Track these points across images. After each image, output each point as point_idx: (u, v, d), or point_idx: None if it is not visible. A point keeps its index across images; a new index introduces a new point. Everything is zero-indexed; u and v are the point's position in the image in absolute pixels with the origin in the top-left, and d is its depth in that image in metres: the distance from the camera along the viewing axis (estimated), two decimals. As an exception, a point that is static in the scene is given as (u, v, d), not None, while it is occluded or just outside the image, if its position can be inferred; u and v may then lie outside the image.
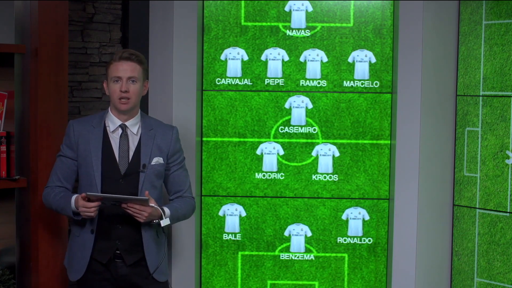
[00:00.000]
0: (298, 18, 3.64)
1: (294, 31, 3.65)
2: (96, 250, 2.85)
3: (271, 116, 3.66)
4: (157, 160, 2.90)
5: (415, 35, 3.50)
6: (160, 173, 2.94)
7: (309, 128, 3.66)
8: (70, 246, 2.96)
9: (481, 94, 3.56)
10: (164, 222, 2.81)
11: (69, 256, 2.96)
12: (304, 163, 3.67)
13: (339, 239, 3.68)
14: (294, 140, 3.66)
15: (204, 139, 3.67)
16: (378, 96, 3.63)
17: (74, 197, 2.80)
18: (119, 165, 2.84)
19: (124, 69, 2.82)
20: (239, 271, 3.70)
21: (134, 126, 2.89)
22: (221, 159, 3.67)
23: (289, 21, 3.65)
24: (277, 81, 3.65)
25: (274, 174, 3.68)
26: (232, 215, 3.69)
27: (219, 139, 3.66)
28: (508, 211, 3.48)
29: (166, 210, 2.85)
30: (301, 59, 3.65)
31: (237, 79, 3.66)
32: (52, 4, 3.11)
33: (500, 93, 3.49)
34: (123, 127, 2.88)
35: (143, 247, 2.89)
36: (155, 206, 2.79)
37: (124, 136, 2.87)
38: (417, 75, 3.50)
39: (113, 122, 2.88)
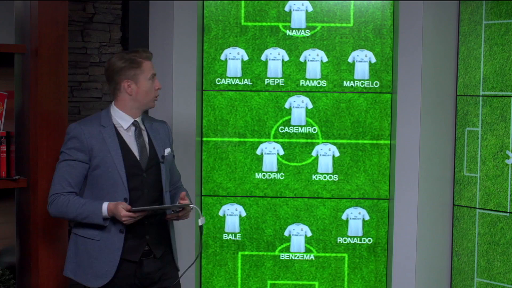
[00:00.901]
0: (298, 18, 3.64)
1: (294, 31, 3.65)
2: (126, 250, 2.82)
3: (271, 116, 3.66)
4: (168, 150, 2.97)
5: (415, 35, 3.50)
6: (170, 164, 3.00)
7: (309, 128, 3.66)
8: (82, 252, 2.86)
9: (481, 94, 3.56)
10: (202, 220, 2.86)
11: (80, 263, 2.87)
12: (304, 163, 3.67)
13: (339, 239, 3.68)
14: (294, 140, 3.67)
15: (204, 139, 3.67)
16: (378, 96, 3.63)
17: (105, 205, 2.76)
18: (140, 161, 2.85)
19: (153, 67, 2.90)
20: (239, 271, 3.70)
21: (141, 123, 2.94)
22: (221, 159, 3.67)
23: (289, 21, 3.65)
24: (277, 81, 3.65)
25: (274, 174, 3.68)
26: (232, 215, 3.69)
27: (219, 139, 3.66)
28: (508, 211, 3.48)
29: (198, 209, 2.96)
30: (301, 59, 3.65)
31: (237, 79, 3.66)
32: (52, 4, 3.11)
33: (500, 93, 3.49)
34: (136, 124, 2.89)
35: (169, 239, 2.94)
36: (195, 206, 2.88)
37: (139, 132, 2.89)
38: (417, 75, 3.50)
39: (124, 120, 2.87)
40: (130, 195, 2.80)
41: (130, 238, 2.82)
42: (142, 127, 2.92)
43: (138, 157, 2.85)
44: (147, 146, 2.90)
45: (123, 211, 2.71)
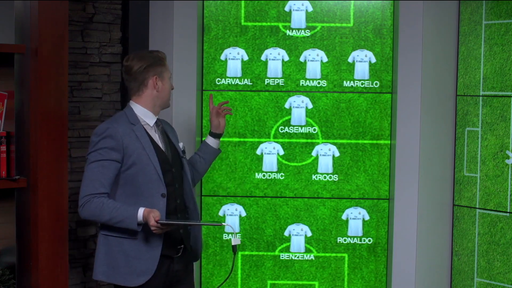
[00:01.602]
0: (298, 18, 3.64)
1: (294, 31, 3.65)
2: (165, 246, 2.83)
3: (271, 116, 3.66)
4: (182, 144, 3.03)
5: (415, 35, 3.50)
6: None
7: (309, 128, 3.66)
8: (116, 252, 2.84)
9: (481, 94, 3.57)
10: (236, 240, 2.80)
11: (115, 264, 2.84)
12: (304, 163, 3.67)
13: (339, 239, 3.68)
14: (294, 140, 3.67)
15: (204, 139, 3.66)
16: (378, 96, 3.63)
17: (142, 210, 2.75)
18: (167, 156, 2.89)
19: None
20: (239, 271, 3.70)
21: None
22: (221, 159, 3.67)
23: (289, 21, 3.65)
24: (277, 81, 3.65)
25: (274, 174, 3.68)
26: (232, 215, 3.69)
27: (219, 139, 3.66)
28: (508, 211, 3.48)
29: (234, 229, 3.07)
30: (301, 59, 3.65)
31: (237, 79, 3.66)
32: (52, 4, 3.10)
33: (500, 93, 3.49)
34: (158, 121, 2.95)
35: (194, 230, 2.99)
36: (229, 225, 2.96)
37: (162, 129, 2.95)
38: (417, 75, 3.51)
39: (149, 117, 2.91)
40: (167, 190, 2.83)
41: (167, 233, 2.82)
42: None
43: (165, 153, 2.89)
44: (169, 143, 2.96)
45: (152, 220, 2.70)
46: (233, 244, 2.75)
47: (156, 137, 2.91)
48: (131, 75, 2.88)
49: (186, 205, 2.95)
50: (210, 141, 3.19)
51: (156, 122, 2.92)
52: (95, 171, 2.80)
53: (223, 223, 2.77)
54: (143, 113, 2.89)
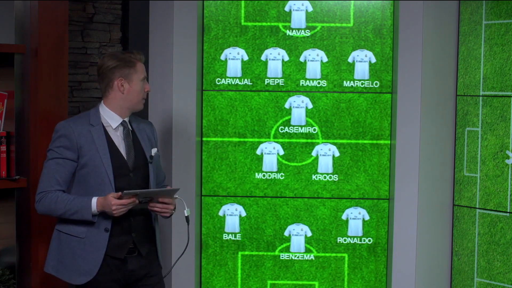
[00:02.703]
0: (298, 18, 3.64)
1: (294, 31, 3.65)
2: (110, 248, 2.83)
3: (271, 116, 3.66)
4: (155, 151, 2.99)
5: (415, 35, 3.50)
6: (157, 163, 3.01)
7: (309, 128, 3.66)
8: (65, 249, 2.87)
9: (481, 94, 3.56)
10: (188, 211, 2.91)
11: (63, 260, 2.88)
12: (304, 163, 3.67)
13: (339, 239, 3.68)
14: (294, 140, 3.66)
15: (204, 139, 3.67)
16: (378, 96, 3.63)
17: (94, 199, 2.78)
18: (127, 160, 2.87)
19: (145, 70, 2.92)
20: (239, 271, 3.70)
21: (128, 123, 2.95)
22: (221, 159, 3.67)
23: (289, 21, 3.65)
24: (277, 81, 3.65)
25: (274, 174, 3.68)
26: (232, 215, 3.69)
27: (219, 139, 3.66)
28: (508, 211, 3.48)
29: (182, 200, 2.97)
30: (301, 59, 3.65)
31: (237, 79, 3.66)
32: (52, 4, 3.11)
33: (500, 93, 3.49)
34: (124, 124, 2.90)
35: (154, 236, 2.95)
36: (178, 197, 2.90)
37: (127, 132, 2.90)
38: (417, 75, 3.50)
39: (113, 119, 2.88)
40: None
41: (115, 236, 2.83)
42: (130, 127, 2.93)
43: (125, 157, 2.87)
44: (134, 146, 2.91)
45: (113, 199, 2.72)
46: (186, 215, 2.89)
47: (118, 140, 2.88)
48: (99, 74, 2.89)
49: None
50: None
51: (123, 125, 2.89)
52: (51, 168, 2.83)
53: (176, 196, 2.84)
54: (109, 115, 2.88)
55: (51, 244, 2.91)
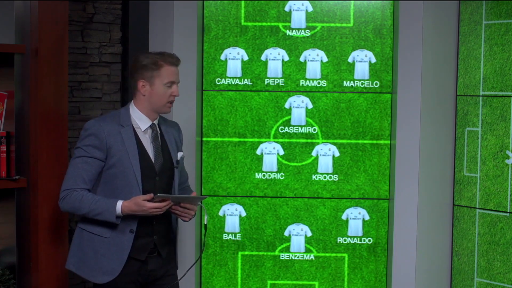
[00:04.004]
0: (298, 18, 3.64)
1: (294, 31, 3.65)
2: (134, 249, 2.83)
3: (271, 116, 3.66)
4: (181, 154, 2.98)
5: (415, 35, 3.50)
6: (182, 165, 3.01)
7: (309, 128, 3.66)
8: (88, 248, 2.86)
9: (481, 94, 3.57)
10: (207, 219, 2.92)
11: (85, 259, 2.87)
12: (304, 163, 3.67)
13: (339, 239, 3.68)
14: (294, 140, 3.67)
15: (204, 139, 3.67)
16: (378, 96, 3.63)
17: (120, 202, 2.77)
18: (154, 164, 2.86)
19: (177, 73, 2.86)
20: (239, 271, 3.70)
21: (157, 126, 2.94)
22: (221, 159, 3.67)
23: (289, 21, 3.65)
24: (277, 81, 3.65)
25: (274, 174, 3.68)
26: (232, 215, 3.69)
27: (219, 139, 3.66)
28: (508, 211, 3.48)
29: (204, 208, 2.99)
30: (301, 59, 3.65)
31: (237, 79, 3.66)
32: (52, 4, 3.11)
33: (500, 93, 3.49)
34: (153, 126, 2.89)
35: (173, 238, 2.97)
36: (201, 204, 2.91)
37: (155, 135, 2.89)
38: (417, 75, 3.51)
39: (143, 121, 2.87)
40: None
41: (139, 238, 2.83)
42: (159, 130, 2.92)
43: (153, 160, 2.86)
44: (162, 150, 2.90)
45: (147, 203, 2.72)
46: (205, 223, 2.87)
47: (147, 142, 2.87)
48: (129, 73, 2.88)
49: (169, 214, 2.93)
50: None
51: (152, 127, 2.88)
52: (78, 166, 2.82)
53: (199, 202, 2.86)
54: (138, 116, 2.87)
55: (73, 241, 2.91)
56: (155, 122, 2.90)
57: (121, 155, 2.81)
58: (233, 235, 3.69)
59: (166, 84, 2.83)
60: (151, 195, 2.73)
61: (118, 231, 2.81)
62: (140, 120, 2.87)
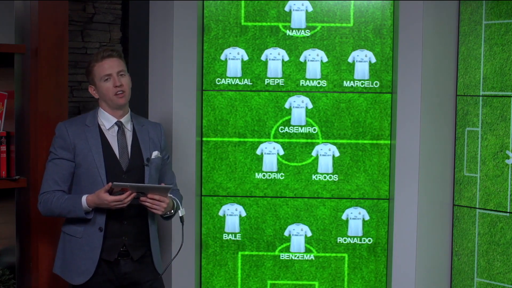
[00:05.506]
0: (298, 18, 3.64)
1: (294, 31, 3.65)
2: (104, 249, 2.84)
3: (271, 116, 3.66)
4: (156, 153, 2.97)
5: (415, 35, 3.50)
6: (159, 167, 3.00)
7: (309, 128, 3.66)
8: (67, 250, 2.90)
9: (481, 94, 3.56)
10: (182, 211, 2.91)
11: (66, 261, 2.90)
12: (304, 163, 3.67)
13: (339, 239, 3.68)
14: (294, 140, 3.67)
15: (204, 139, 3.67)
16: (378, 96, 3.63)
17: (84, 197, 2.79)
18: (120, 161, 2.87)
19: (111, 65, 2.88)
20: (239, 271, 3.70)
21: (127, 123, 2.96)
22: (221, 159, 3.67)
23: (289, 21, 3.65)
24: (277, 81, 3.65)
25: (274, 174, 3.68)
26: (232, 215, 3.69)
27: (219, 139, 3.66)
28: (508, 211, 3.48)
29: (177, 200, 2.96)
30: (301, 59, 3.65)
31: (237, 79, 3.66)
32: (52, 4, 3.11)
33: (500, 93, 3.49)
34: (119, 124, 2.91)
35: (148, 242, 2.94)
36: (172, 196, 2.90)
37: (122, 133, 2.92)
38: (417, 75, 3.50)
39: (108, 120, 2.91)
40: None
41: (108, 237, 2.85)
42: (128, 127, 2.94)
43: (118, 157, 2.87)
44: (129, 147, 2.92)
45: (108, 196, 2.73)
46: (180, 215, 2.89)
47: (113, 139, 2.90)
48: None
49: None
50: None
51: (117, 125, 2.90)
52: (50, 169, 2.88)
53: (170, 195, 2.85)
54: (104, 116, 2.92)
55: (58, 245, 2.95)
56: (122, 120, 2.92)
57: (85, 153, 2.85)
58: (233, 235, 3.69)
59: (103, 80, 2.87)
60: (109, 184, 2.72)
61: (89, 231, 2.83)
62: (106, 119, 2.92)
